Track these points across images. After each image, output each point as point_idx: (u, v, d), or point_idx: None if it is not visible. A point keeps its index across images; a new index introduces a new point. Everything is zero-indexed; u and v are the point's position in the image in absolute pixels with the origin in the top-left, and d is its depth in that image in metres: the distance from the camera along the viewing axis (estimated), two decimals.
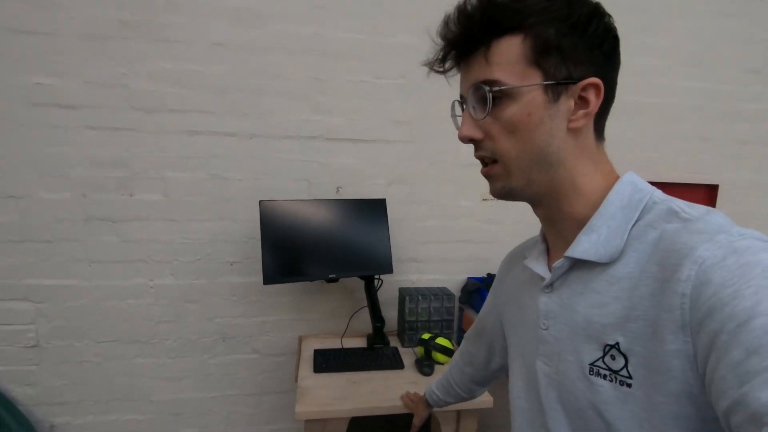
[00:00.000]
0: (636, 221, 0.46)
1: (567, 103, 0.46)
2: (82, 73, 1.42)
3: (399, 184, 1.66)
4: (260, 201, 1.38)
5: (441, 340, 1.33)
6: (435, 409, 1.16)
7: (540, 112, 0.46)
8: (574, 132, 0.47)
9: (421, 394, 1.05)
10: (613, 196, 0.48)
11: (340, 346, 1.44)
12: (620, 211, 0.47)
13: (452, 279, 1.73)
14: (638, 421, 0.42)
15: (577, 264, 0.49)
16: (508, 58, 0.46)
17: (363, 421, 1.15)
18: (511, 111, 0.46)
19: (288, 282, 1.40)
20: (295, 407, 1.60)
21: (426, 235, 1.71)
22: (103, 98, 1.45)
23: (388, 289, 1.64)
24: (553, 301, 0.51)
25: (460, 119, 0.52)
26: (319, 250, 1.40)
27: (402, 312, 1.51)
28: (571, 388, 0.47)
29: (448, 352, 1.32)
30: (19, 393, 1.50)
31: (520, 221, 1.74)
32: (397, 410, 1.11)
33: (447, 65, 0.50)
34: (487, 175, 0.52)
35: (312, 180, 1.60)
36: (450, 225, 1.72)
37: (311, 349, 1.41)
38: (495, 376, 0.83)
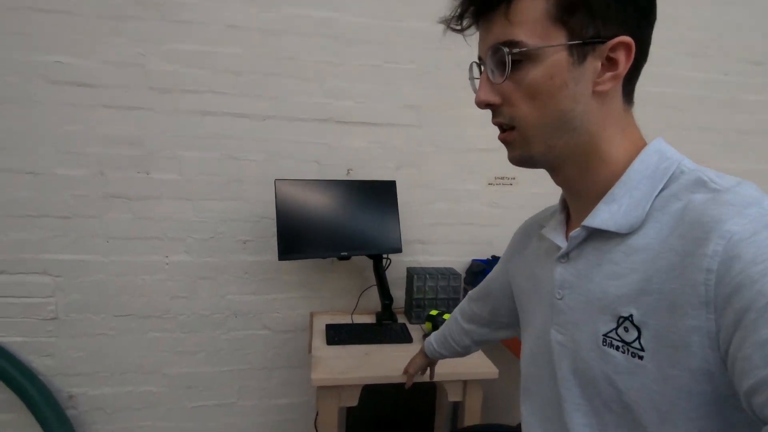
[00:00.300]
0: (660, 191, 0.44)
1: (593, 64, 0.43)
2: (100, 53, 1.45)
3: (407, 167, 1.70)
4: (276, 179, 1.42)
5: (448, 316, 1.38)
6: (443, 381, 1.22)
7: (563, 74, 0.43)
8: (600, 96, 0.44)
9: (431, 340, 1.04)
10: (637, 164, 0.45)
11: (351, 322, 1.50)
12: (645, 181, 0.44)
13: (457, 261, 1.78)
14: (649, 393, 0.41)
15: (595, 234, 0.47)
16: (530, 15, 0.42)
17: (375, 389, 1.20)
18: (533, 75, 0.44)
19: (302, 258, 1.45)
20: (305, 378, 1.67)
21: (433, 218, 1.75)
22: (120, 78, 1.47)
23: (395, 269, 1.69)
24: (569, 272, 0.50)
25: (477, 82, 0.49)
26: (331, 229, 1.45)
27: (410, 290, 1.56)
28: (585, 358, 0.46)
29: None
30: (39, 364, 1.55)
31: (525, 206, 1.78)
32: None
33: (465, 23, 0.47)
34: (504, 142, 0.50)
35: (322, 162, 1.64)
36: (456, 208, 1.76)
37: (323, 324, 1.46)
38: (494, 337, 0.84)
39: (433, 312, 1.42)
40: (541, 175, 1.78)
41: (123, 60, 1.47)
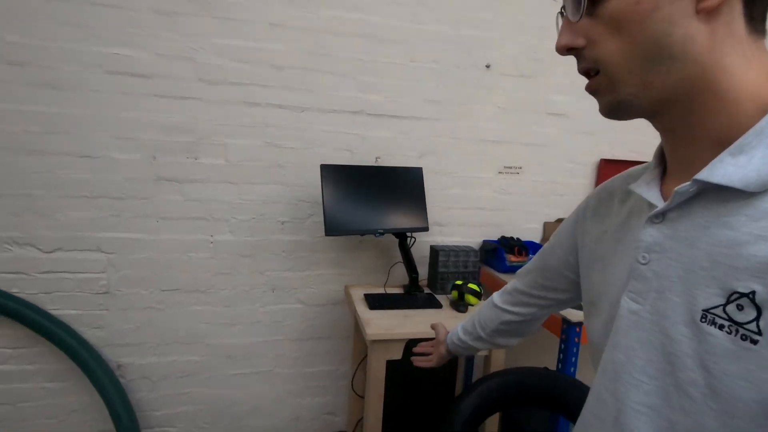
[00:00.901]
0: None
1: None
2: (154, 46, 1.57)
3: (427, 156, 1.89)
4: (321, 164, 1.59)
5: (472, 285, 1.59)
6: None
7: None
8: (708, 15, 0.37)
9: (457, 328, 0.94)
10: None
11: (384, 292, 1.68)
12: None
13: (470, 241, 1.99)
14: (755, 382, 0.35)
15: (710, 190, 0.39)
16: None
17: (415, 344, 1.39)
18: (614, 4, 0.39)
19: (344, 234, 1.62)
20: (336, 347, 1.84)
21: (448, 202, 1.95)
22: (172, 69, 1.60)
23: (417, 248, 1.88)
24: (663, 233, 0.43)
25: None
26: (368, 209, 1.63)
27: (434, 265, 1.76)
28: (671, 332, 0.40)
29: (478, 295, 1.58)
30: (90, 335, 1.66)
31: (529, 192, 2.02)
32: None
33: None
34: (591, 91, 0.44)
35: (354, 150, 1.81)
36: (469, 194, 1.97)
37: (360, 294, 1.64)
38: (541, 314, 0.77)
39: (458, 282, 1.62)
40: (544, 163, 2.06)
41: (175, 53, 1.59)
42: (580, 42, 0.42)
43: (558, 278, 0.68)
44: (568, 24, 0.43)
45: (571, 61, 0.45)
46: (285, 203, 1.77)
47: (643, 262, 0.44)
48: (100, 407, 1.67)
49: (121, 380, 1.71)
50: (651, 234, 0.44)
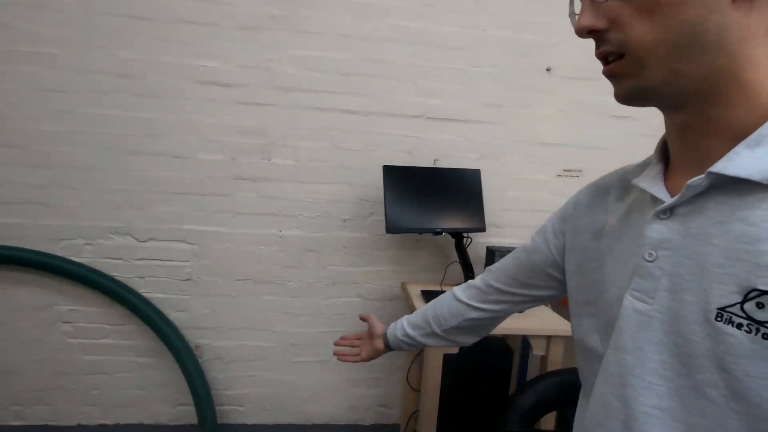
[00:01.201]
0: None
1: None
2: (237, 58, 1.74)
3: (486, 158, 1.92)
4: (383, 165, 1.68)
5: None
6: (530, 335, 1.44)
7: None
8: (743, 4, 0.36)
9: (401, 322, 0.88)
10: None
11: (440, 289, 1.73)
12: None
13: None
14: None
15: (724, 184, 0.38)
16: None
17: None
18: None
19: (405, 232, 1.70)
20: None
21: (506, 204, 1.97)
22: (251, 78, 1.76)
23: (473, 249, 1.91)
24: (672, 229, 0.41)
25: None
26: (427, 208, 1.69)
27: (490, 265, 1.78)
28: (684, 332, 0.38)
29: None
30: (174, 317, 1.86)
31: None
32: (498, 330, 1.39)
33: None
34: (610, 75, 0.42)
35: (413, 152, 1.88)
36: (527, 196, 1.98)
37: (416, 290, 1.71)
38: (513, 311, 0.72)
39: None
40: (605, 167, 2.02)
41: (255, 64, 1.75)
42: (602, 24, 0.40)
43: (541, 276, 0.64)
44: (590, 4, 0.41)
45: None
46: (348, 202, 1.88)
47: (649, 259, 0.42)
48: (181, 383, 1.86)
49: (199, 360, 1.89)
50: (658, 230, 0.42)
